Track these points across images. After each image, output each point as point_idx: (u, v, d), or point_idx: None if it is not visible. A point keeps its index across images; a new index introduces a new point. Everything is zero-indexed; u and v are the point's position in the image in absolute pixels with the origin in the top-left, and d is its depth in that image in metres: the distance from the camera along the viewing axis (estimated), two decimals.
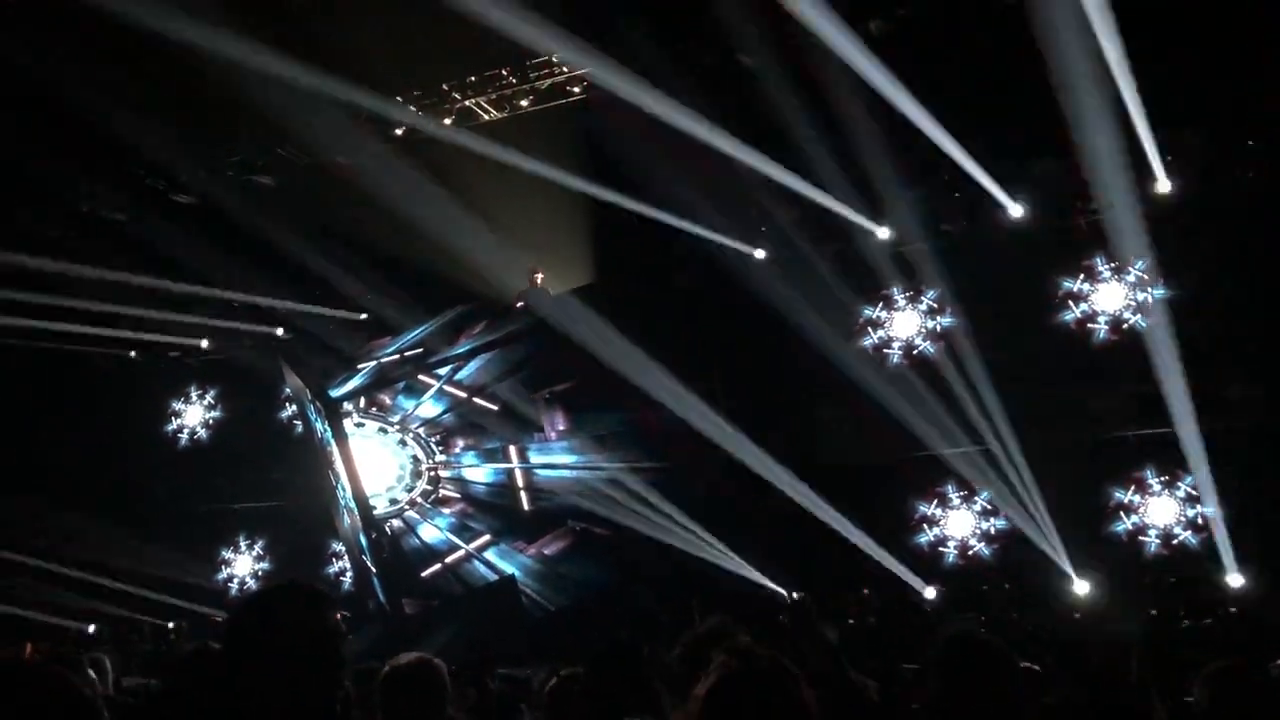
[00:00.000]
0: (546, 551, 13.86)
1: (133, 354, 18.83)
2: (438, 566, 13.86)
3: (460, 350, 14.29)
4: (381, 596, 13.95)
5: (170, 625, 16.63)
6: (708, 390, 14.17)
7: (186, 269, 17.82)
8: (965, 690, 3.26)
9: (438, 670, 4.06)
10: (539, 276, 14.85)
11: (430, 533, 14.26)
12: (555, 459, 14.30)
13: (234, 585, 17.52)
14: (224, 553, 17.75)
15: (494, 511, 14.40)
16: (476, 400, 14.55)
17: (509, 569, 13.61)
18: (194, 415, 18.73)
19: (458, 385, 14.53)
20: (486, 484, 14.58)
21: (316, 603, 2.69)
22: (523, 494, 14.36)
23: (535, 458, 14.39)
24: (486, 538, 14.11)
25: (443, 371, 14.40)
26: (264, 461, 17.55)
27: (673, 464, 13.71)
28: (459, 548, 14.00)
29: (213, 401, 18.70)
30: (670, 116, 13.91)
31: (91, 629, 16.15)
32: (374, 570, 13.89)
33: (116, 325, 18.45)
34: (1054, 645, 11.27)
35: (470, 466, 14.68)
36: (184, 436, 18.64)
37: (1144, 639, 10.35)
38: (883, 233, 14.50)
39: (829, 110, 13.42)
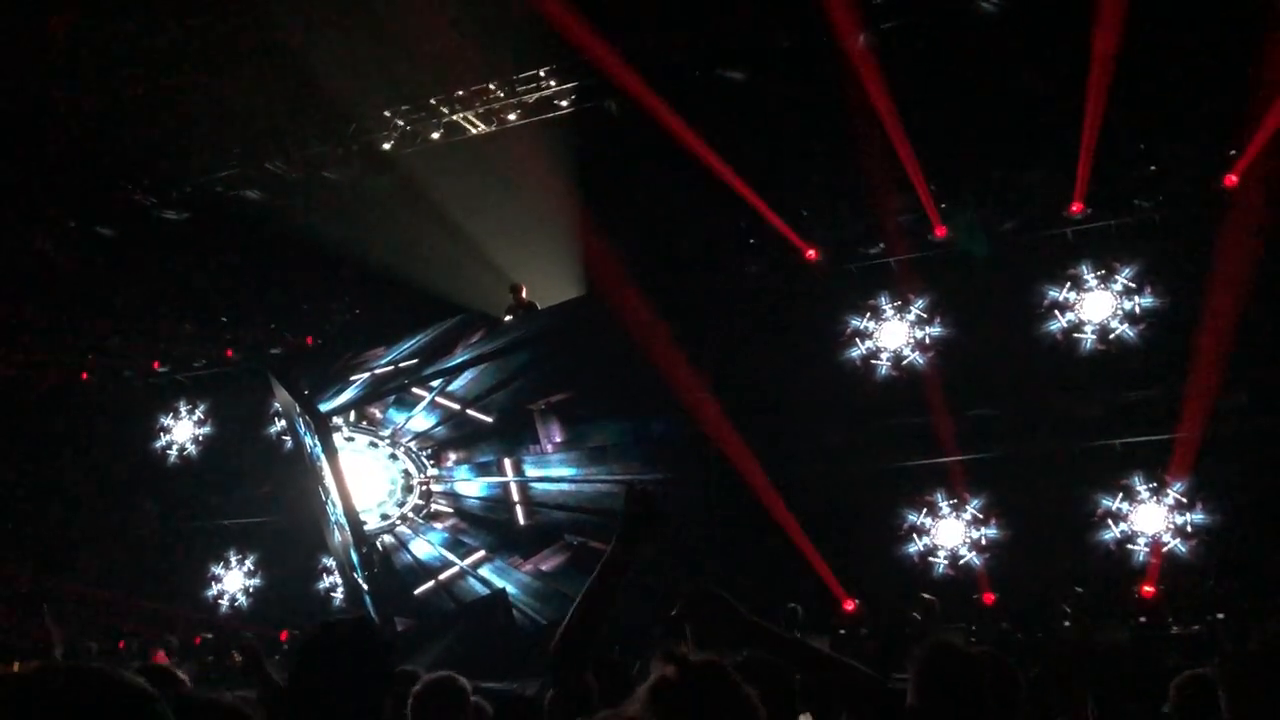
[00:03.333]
0: (544, 567, 13.73)
1: (127, 374, 18.81)
2: (431, 584, 13.79)
3: (457, 360, 14.23)
4: (373, 613, 13.92)
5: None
6: (700, 402, 14.19)
7: (175, 283, 17.86)
8: (944, 703, 3.28)
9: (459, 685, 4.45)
10: (524, 291, 14.82)
11: (423, 548, 14.20)
12: (552, 472, 14.23)
13: (224, 601, 17.47)
14: (214, 569, 17.69)
15: (488, 526, 14.31)
16: (470, 412, 14.48)
17: (505, 586, 13.54)
18: (183, 431, 18.68)
19: (450, 397, 14.47)
20: (480, 498, 14.49)
21: (376, 642, 3.02)
22: (518, 508, 14.25)
23: (531, 471, 14.31)
24: (481, 554, 14.01)
25: (436, 383, 14.34)
26: (254, 477, 17.49)
27: (672, 477, 13.63)
28: (453, 564, 13.93)
29: (202, 417, 18.66)
30: (660, 129, 14.01)
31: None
32: (365, 587, 13.86)
33: (105, 342, 18.47)
34: (1043, 655, 11.36)
35: (463, 480, 14.62)
36: (173, 453, 18.60)
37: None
38: (870, 244, 14.56)
39: (817, 121, 13.51)
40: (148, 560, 17.83)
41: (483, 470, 14.52)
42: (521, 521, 14.22)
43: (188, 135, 15.53)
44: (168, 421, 18.74)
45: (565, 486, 14.03)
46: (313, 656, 2.92)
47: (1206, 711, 4.00)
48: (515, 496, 14.26)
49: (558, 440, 14.16)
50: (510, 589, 13.51)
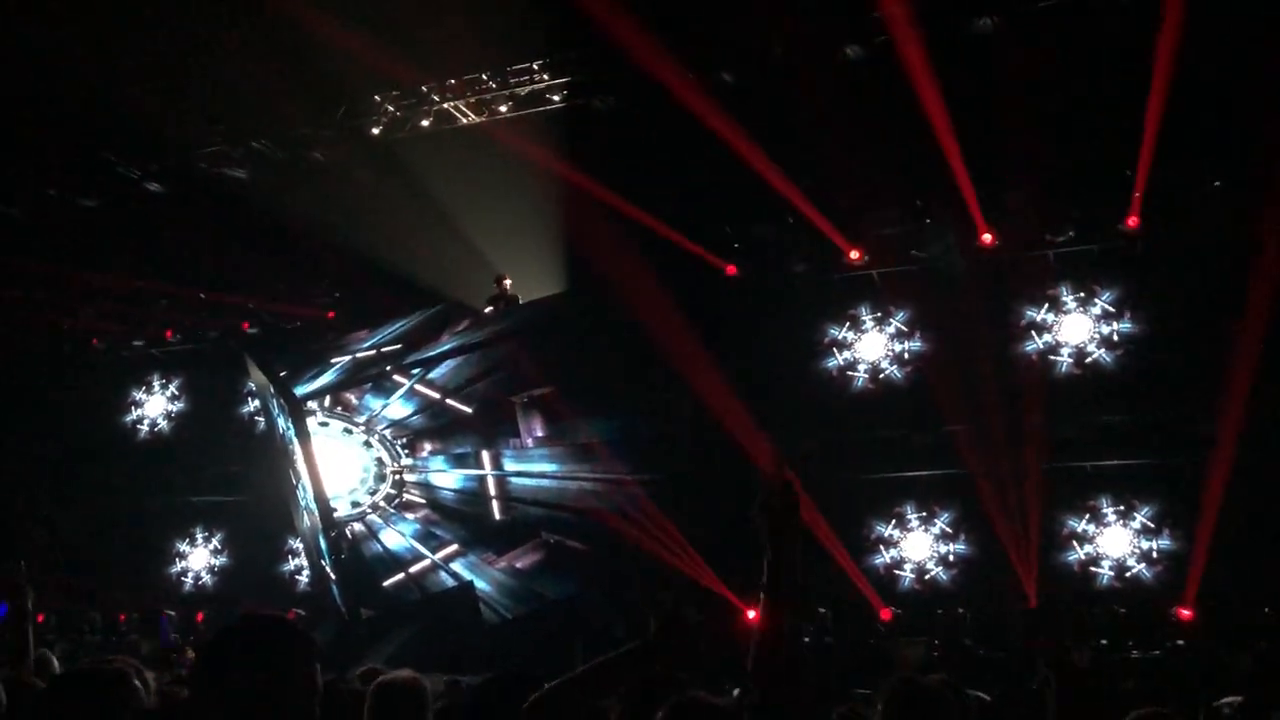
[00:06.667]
0: (518, 565, 13.57)
1: (95, 341, 18.61)
2: (400, 576, 13.64)
3: (442, 348, 14.09)
4: (338, 599, 13.82)
5: (121, 617, 16.46)
6: (678, 404, 14.19)
7: (155, 257, 17.68)
8: None
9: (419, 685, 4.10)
10: (507, 283, 14.75)
11: (393, 539, 14.03)
12: (532, 467, 14.11)
13: (188, 579, 17.36)
14: (179, 545, 17.56)
15: (462, 520, 14.12)
16: (449, 402, 14.32)
17: (476, 581, 13.40)
18: (155, 406, 18.52)
19: (430, 385, 14.31)
20: (455, 490, 14.30)
21: (290, 640, 2.51)
22: (494, 503, 14.06)
23: (510, 465, 14.14)
24: (454, 547, 13.84)
25: (415, 371, 14.20)
26: (224, 456, 17.36)
27: (659, 476, 13.56)
28: (424, 556, 13.77)
29: (175, 393, 18.50)
30: (649, 127, 14.01)
31: (39, 619, 15.88)
32: (331, 575, 13.75)
33: (81, 311, 18.26)
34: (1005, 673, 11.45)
35: (438, 471, 14.45)
36: (144, 427, 18.43)
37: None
38: (854, 255, 14.59)
39: (807, 131, 13.51)
40: (110, 534, 17.68)
41: (459, 462, 14.36)
42: (497, 516, 14.07)
43: (175, 108, 15.38)
44: (140, 396, 18.58)
45: (545, 483, 13.86)
46: (224, 658, 2.43)
47: None
48: (492, 490, 14.09)
49: (539, 435, 14.01)
50: (482, 585, 13.38)
